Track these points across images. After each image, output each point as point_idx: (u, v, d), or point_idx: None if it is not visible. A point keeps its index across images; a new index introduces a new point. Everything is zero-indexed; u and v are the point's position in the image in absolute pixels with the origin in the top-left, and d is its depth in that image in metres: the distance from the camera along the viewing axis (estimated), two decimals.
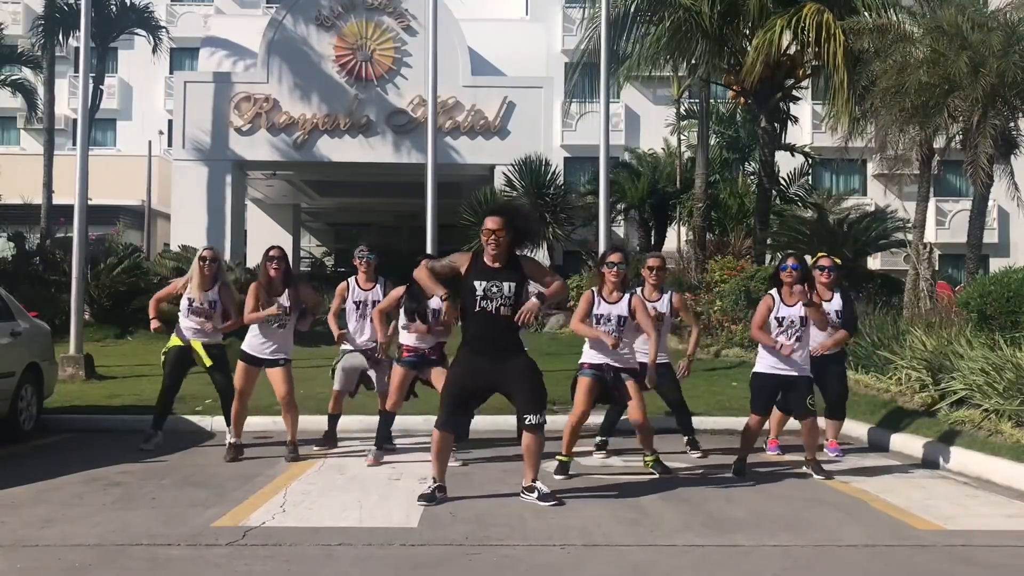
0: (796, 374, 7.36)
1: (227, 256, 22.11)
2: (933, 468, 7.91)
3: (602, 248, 13.05)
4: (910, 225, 17.88)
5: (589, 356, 7.29)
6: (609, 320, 7.19)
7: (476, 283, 6.11)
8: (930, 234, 26.51)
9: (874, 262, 26.12)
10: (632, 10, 17.38)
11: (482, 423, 9.16)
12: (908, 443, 8.57)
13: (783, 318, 7.36)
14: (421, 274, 6.31)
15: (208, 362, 8.33)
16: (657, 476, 7.32)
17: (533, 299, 6.11)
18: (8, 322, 9.14)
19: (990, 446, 7.69)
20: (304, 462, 7.88)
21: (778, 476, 7.49)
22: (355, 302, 8.34)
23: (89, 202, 13.49)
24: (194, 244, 20.36)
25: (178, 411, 10.06)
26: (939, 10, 15.56)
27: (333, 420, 8.59)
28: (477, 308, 6.11)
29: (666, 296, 8.32)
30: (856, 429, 9.33)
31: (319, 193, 29.83)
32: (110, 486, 6.89)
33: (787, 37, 16.44)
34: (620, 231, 27.61)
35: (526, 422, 6.17)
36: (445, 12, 20.24)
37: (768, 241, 18.55)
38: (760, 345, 7.53)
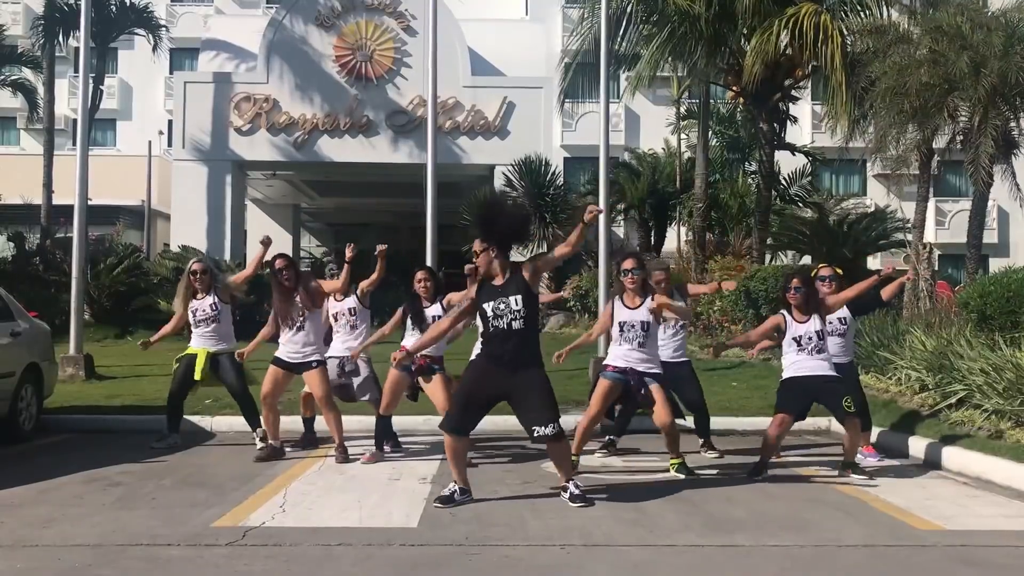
0: (822, 373, 7.33)
1: (227, 256, 22.14)
2: (933, 468, 7.91)
3: (602, 249, 13.05)
4: (910, 225, 17.88)
5: (613, 359, 7.33)
6: (633, 327, 7.21)
7: (485, 305, 6.23)
8: (930, 234, 26.51)
9: (874, 262, 26.11)
10: (629, 11, 17.37)
11: (483, 423, 9.16)
12: (908, 443, 8.56)
13: (800, 336, 7.35)
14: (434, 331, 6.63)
15: (199, 376, 8.34)
16: (662, 477, 7.31)
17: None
18: (8, 322, 9.15)
19: (990, 446, 7.69)
20: (304, 462, 7.89)
21: (778, 476, 7.49)
22: (333, 314, 8.35)
23: (89, 202, 13.49)
24: (194, 244, 20.42)
25: None
26: (937, 11, 15.55)
27: (308, 422, 8.68)
28: (491, 328, 6.22)
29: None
30: None
31: (319, 193, 29.85)
32: (110, 486, 6.89)
33: (785, 38, 16.43)
34: (620, 231, 27.59)
35: (535, 434, 6.17)
36: (445, 12, 20.24)
37: (768, 241, 18.54)
38: (783, 353, 7.51)
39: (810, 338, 7.32)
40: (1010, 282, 10.10)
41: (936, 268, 17.44)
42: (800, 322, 7.38)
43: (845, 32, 16.46)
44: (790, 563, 5.08)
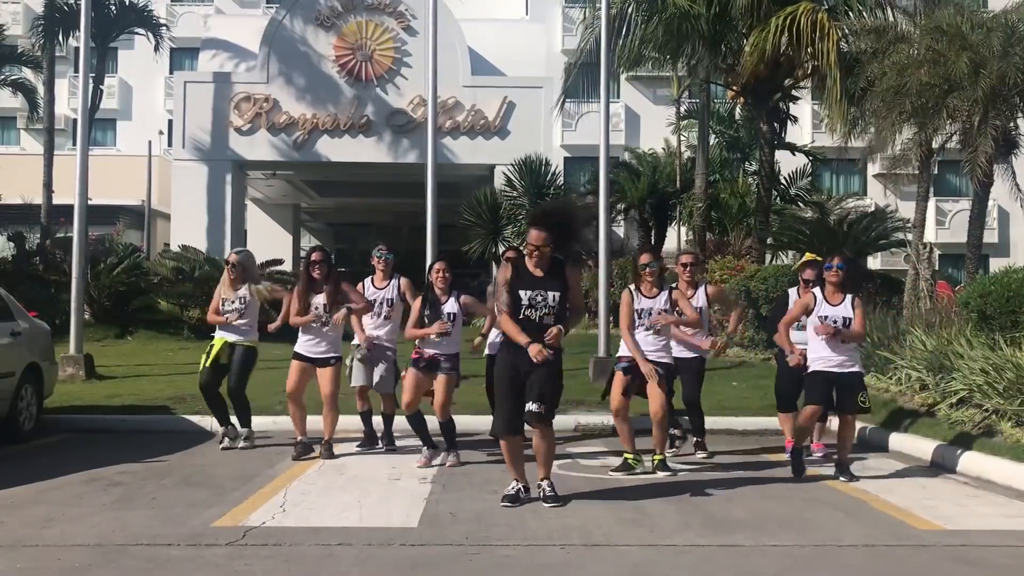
0: (847, 371, 7.32)
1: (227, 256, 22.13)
2: (933, 468, 7.91)
3: (602, 249, 13.09)
4: (910, 225, 17.87)
5: (623, 351, 7.50)
6: (649, 314, 7.37)
7: (521, 292, 6.19)
8: (930, 234, 26.49)
9: (874, 262, 26.09)
10: (629, 11, 17.37)
11: (481, 423, 9.16)
12: (908, 443, 8.57)
13: (826, 317, 7.31)
14: (507, 326, 6.21)
15: (222, 359, 8.43)
16: (660, 477, 7.30)
17: (559, 327, 6.13)
18: (8, 322, 9.14)
19: (990, 446, 7.69)
20: (304, 462, 7.88)
21: (778, 476, 7.49)
22: (370, 300, 8.39)
23: (89, 202, 13.49)
24: (194, 244, 20.38)
25: (178, 411, 10.09)
26: (937, 10, 15.55)
27: (365, 417, 8.62)
28: (521, 316, 6.18)
29: (700, 289, 8.42)
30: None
31: (319, 193, 29.84)
32: (110, 486, 6.90)
33: (783, 36, 16.41)
34: (620, 231, 27.57)
35: (527, 408, 6.13)
36: (445, 12, 20.24)
37: (768, 241, 18.54)
38: (808, 343, 7.46)
39: (835, 321, 7.28)
40: (1010, 282, 10.08)
41: (936, 268, 17.43)
42: (832, 304, 7.36)
43: (844, 31, 16.45)
44: (790, 563, 5.08)
